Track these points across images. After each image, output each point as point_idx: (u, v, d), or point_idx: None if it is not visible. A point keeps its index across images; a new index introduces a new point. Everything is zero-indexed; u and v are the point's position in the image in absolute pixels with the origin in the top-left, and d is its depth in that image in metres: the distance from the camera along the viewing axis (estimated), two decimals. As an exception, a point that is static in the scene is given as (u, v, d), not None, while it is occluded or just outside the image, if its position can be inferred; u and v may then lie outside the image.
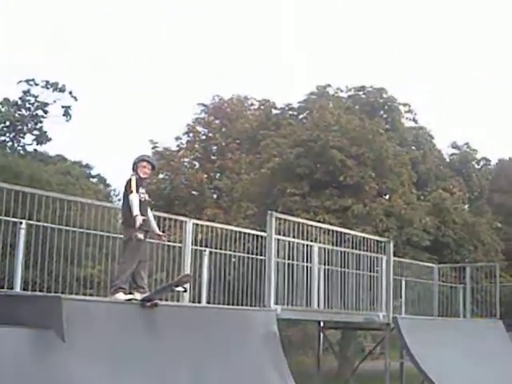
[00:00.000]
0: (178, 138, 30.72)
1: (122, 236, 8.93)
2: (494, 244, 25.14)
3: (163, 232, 10.61)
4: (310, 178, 21.24)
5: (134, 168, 8.86)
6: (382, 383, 13.78)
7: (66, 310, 7.08)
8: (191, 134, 30.73)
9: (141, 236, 8.50)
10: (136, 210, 8.40)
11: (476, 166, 29.24)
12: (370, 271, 13.38)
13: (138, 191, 8.57)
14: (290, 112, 26.55)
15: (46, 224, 9.47)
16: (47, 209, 9.32)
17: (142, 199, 8.66)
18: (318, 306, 12.30)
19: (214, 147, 30.64)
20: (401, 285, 16.02)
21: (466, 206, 25.07)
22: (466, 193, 26.05)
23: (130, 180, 8.66)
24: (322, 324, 14.40)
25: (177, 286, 8.54)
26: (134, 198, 8.47)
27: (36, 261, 9.41)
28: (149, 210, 8.90)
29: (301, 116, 26.25)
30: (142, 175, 8.84)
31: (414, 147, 26.19)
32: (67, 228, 9.88)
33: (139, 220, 8.34)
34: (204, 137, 30.89)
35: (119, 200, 8.70)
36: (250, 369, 9.13)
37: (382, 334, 15.72)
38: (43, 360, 6.65)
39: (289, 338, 14.16)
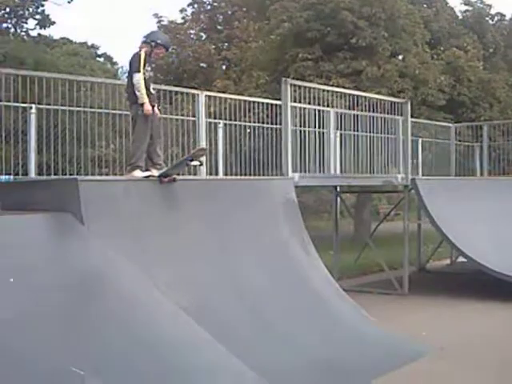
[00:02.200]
0: (182, 10, 30.04)
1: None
2: (509, 101, 24.78)
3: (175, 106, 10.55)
4: (321, 41, 20.69)
5: (147, 45, 8.57)
6: (400, 244, 13.95)
7: (83, 191, 6.99)
8: (196, 5, 29.94)
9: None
10: (144, 96, 8.27)
11: (490, 22, 28.33)
12: (387, 133, 13.21)
13: (144, 69, 8.37)
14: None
15: (55, 107, 9.29)
16: (56, 92, 9.11)
17: (147, 77, 8.47)
18: (335, 171, 12.26)
19: (221, 17, 29.86)
20: (417, 146, 15.89)
21: (481, 64, 24.44)
22: (480, 50, 25.34)
23: (140, 56, 8.40)
24: (338, 189, 14.41)
25: (192, 161, 8.44)
26: (141, 79, 8.27)
27: (49, 145, 9.33)
28: (151, 85, 8.69)
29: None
30: (153, 57, 8.61)
31: (425, 5, 25.36)
32: (78, 109, 9.70)
33: (147, 109, 8.27)
34: (209, 7, 30.07)
35: (127, 77, 8.51)
36: (272, 237, 9.18)
37: (397, 197, 15.79)
38: (64, 244, 6.63)
39: (303, 203, 14.19)
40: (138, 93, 8.27)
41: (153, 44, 8.56)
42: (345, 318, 8.72)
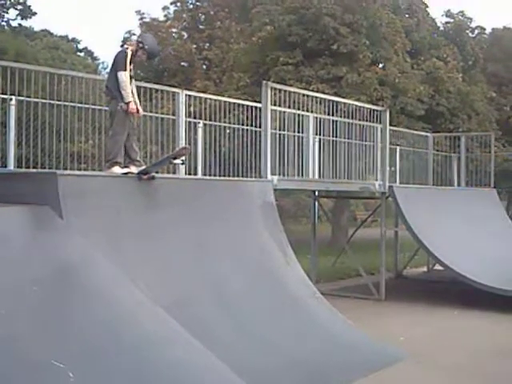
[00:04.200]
0: (165, 8, 29.92)
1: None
2: (487, 113, 25.09)
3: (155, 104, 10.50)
4: (302, 46, 20.77)
5: (135, 44, 8.56)
6: (377, 250, 14.03)
7: (62, 185, 6.94)
8: (178, 4, 29.84)
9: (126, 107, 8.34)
10: (129, 95, 8.27)
11: (470, 35, 28.69)
12: (365, 140, 13.26)
13: (129, 67, 8.36)
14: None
15: (36, 99, 9.19)
16: (36, 84, 8.99)
17: (132, 74, 8.48)
18: (313, 175, 12.28)
19: (203, 16, 29.81)
20: (395, 154, 15.97)
21: (460, 75, 24.69)
22: (459, 62, 25.65)
23: (126, 54, 8.38)
24: (316, 193, 14.44)
25: (175, 159, 8.43)
26: (125, 78, 8.24)
27: (28, 138, 9.23)
28: (133, 81, 8.66)
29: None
30: (136, 58, 8.57)
31: (407, 15, 25.56)
32: (58, 103, 9.58)
33: (132, 107, 8.29)
34: (191, 6, 30.01)
35: (107, 73, 8.45)
36: (250, 239, 9.17)
37: (374, 203, 15.85)
38: (42, 237, 6.55)
39: (281, 207, 14.21)
40: (123, 91, 8.25)
41: (140, 45, 8.55)
42: (321, 321, 8.71)
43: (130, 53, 8.40)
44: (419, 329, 10.47)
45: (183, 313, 6.79)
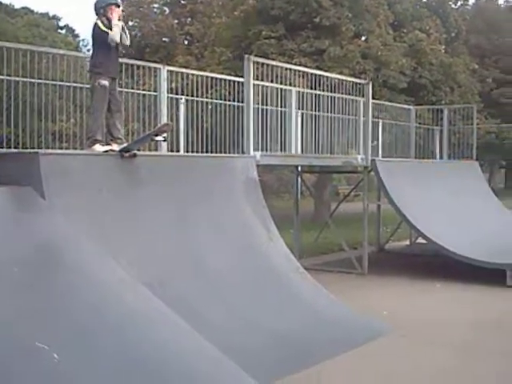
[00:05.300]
0: (146, -17, 29.53)
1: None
2: (470, 86, 25.15)
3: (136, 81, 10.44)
4: (285, 20, 20.68)
5: (101, 13, 8.45)
6: (359, 224, 14.12)
7: (44, 165, 6.91)
8: (160, -22, 29.56)
9: (105, 82, 8.30)
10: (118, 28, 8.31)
11: (453, 7, 28.72)
12: (348, 114, 13.27)
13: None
14: None
15: (16, 78, 9.09)
16: (16, 63, 8.90)
17: (112, 44, 8.36)
18: (296, 151, 12.28)
19: (185, -10, 29.54)
20: (378, 127, 15.98)
21: (443, 47, 24.72)
22: (442, 34, 25.64)
23: (98, 25, 8.31)
24: (299, 169, 14.45)
25: (156, 136, 8.40)
26: (115, 31, 8.28)
27: (8, 117, 9.14)
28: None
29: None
30: (114, 21, 8.43)
31: (389, -13, 25.45)
32: (39, 81, 9.49)
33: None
34: (173, -20, 29.73)
35: (88, 50, 8.44)
36: (233, 215, 9.18)
37: (357, 177, 15.89)
38: (24, 218, 6.52)
39: (264, 183, 14.23)
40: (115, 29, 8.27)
41: (101, 11, 8.44)
42: (305, 296, 8.76)
43: (100, 23, 8.34)
44: (402, 302, 10.56)
45: (166, 290, 6.82)
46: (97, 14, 8.46)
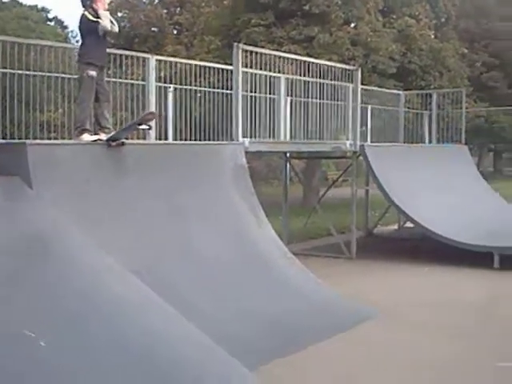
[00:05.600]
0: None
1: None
2: (459, 70, 25.20)
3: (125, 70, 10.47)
4: (274, 7, 20.70)
5: (88, 4, 8.49)
6: (348, 209, 14.18)
7: (32, 155, 6.95)
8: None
9: (93, 73, 8.34)
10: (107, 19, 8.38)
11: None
12: (337, 100, 13.31)
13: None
14: None
15: (4, 70, 9.11)
16: (4, 55, 8.93)
17: (101, 33, 8.41)
18: (285, 137, 12.32)
19: (173, -20, 29.48)
20: (367, 113, 16.04)
21: (432, 33, 24.76)
22: (432, 19, 25.66)
23: (86, 16, 8.35)
24: (288, 155, 14.50)
25: (140, 124, 8.44)
26: (105, 22, 8.34)
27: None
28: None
29: None
30: (102, 10, 8.47)
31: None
32: (27, 73, 9.51)
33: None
34: (161, -31, 29.66)
35: (77, 42, 8.46)
36: (222, 202, 9.24)
37: (346, 163, 15.95)
38: (12, 208, 6.55)
39: (253, 170, 14.30)
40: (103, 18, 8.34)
41: (88, 3, 8.48)
42: (293, 281, 8.82)
43: (88, 14, 8.39)
44: (390, 286, 10.63)
45: (154, 278, 6.85)
46: (83, 6, 8.51)
